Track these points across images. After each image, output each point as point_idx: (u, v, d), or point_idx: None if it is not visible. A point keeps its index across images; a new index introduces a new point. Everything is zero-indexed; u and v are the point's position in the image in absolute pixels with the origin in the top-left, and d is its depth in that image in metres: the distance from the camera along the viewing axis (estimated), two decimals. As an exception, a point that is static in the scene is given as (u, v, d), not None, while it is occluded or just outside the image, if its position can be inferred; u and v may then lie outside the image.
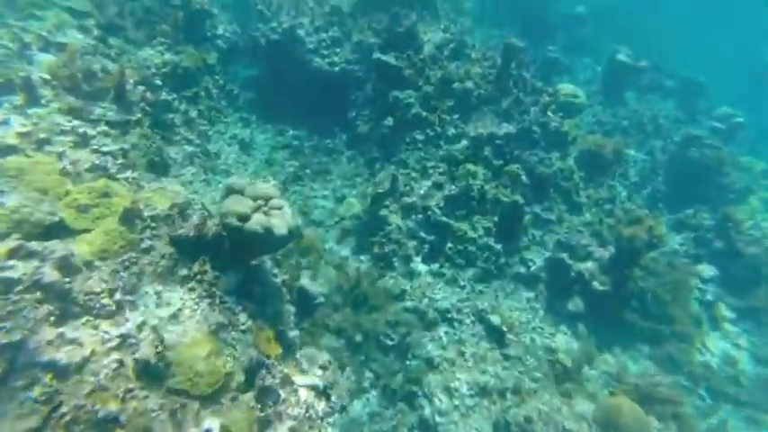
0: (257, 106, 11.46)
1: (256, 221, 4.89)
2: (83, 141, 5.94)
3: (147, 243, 5.09)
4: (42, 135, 5.75)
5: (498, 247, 8.06)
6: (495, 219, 8.08)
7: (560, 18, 17.80)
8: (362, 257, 8.38)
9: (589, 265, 7.84)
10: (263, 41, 11.20)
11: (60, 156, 5.56)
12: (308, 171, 10.08)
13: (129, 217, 5.11)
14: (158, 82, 8.00)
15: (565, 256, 8.02)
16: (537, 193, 8.95)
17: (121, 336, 4.04)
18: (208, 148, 8.46)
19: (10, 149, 5.43)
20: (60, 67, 7.00)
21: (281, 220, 5.05)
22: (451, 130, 9.01)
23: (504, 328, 6.96)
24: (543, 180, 8.78)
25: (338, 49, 10.74)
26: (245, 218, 4.94)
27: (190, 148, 7.82)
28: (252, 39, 11.46)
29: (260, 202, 5.18)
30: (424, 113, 9.27)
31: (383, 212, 8.23)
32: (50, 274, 3.95)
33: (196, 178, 7.70)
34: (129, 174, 6.03)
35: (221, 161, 8.82)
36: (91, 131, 6.07)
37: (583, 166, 9.87)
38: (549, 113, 9.61)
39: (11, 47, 7.60)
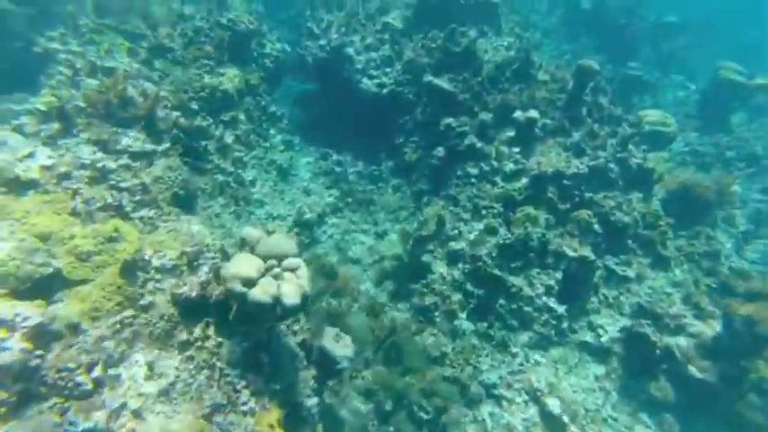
0: (302, 127, 10.94)
1: (263, 289, 4.08)
2: (102, 176, 5.54)
3: (147, 299, 4.49)
4: (63, 169, 5.41)
5: (560, 309, 6.72)
6: (558, 275, 6.75)
7: (646, 29, 15.76)
8: (401, 306, 7.42)
9: (682, 341, 6.27)
10: (311, 60, 10.69)
11: (75, 193, 5.19)
12: (349, 200, 9.32)
13: (131, 269, 4.54)
14: (194, 106, 7.63)
15: (647, 325, 6.51)
16: (612, 242, 7.47)
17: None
18: (242, 176, 7.96)
19: (31, 184, 5.15)
20: (97, 93, 6.79)
21: (294, 287, 4.21)
22: (510, 165, 7.80)
23: (566, 418, 5.63)
24: (620, 228, 7.30)
25: (388, 69, 9.94)
26: (250, 283, 4.15)
27: (221, 177, 7.33)
28: (300, 57, 11.02)
29: (272, 262, 4.39)
30: (479, 144, 8.15)
31: (426, 258, 7.22)
32: (15, 348, 3.40)
33: (225, 210, 7.19)
34: (145, 212, 5.56)
35: (256, 189, 8.29)
36: (112, 165, 5.67)
37: (672, 209, 8.19)
38: (630, 146, 8.08)
39: (65, 73, 7.61)
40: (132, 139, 6.24)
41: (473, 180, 8.02)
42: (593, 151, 7.66)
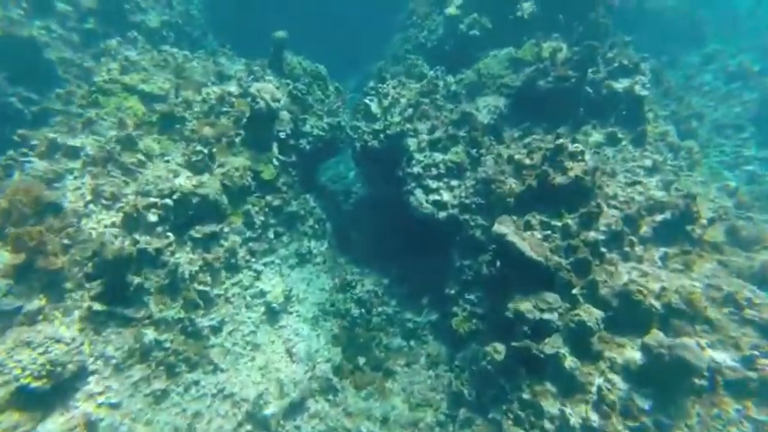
0: (334, 232, 8.32)
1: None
2: None
3: None
4: None
5: None
6: None
7: None
8: None
9: None
10: (358, 147, 8.05)
11: None
12: (357, 368, 6.30)
13: None
14: (152, 218, 5.40)
15: None
16: None
17: None
18: (198, 324, 5.47)
19: None
20: (11, 197, 4.90)
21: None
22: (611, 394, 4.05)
23: None
24: None
25: (455, 183, 6.79)
26: None
27: (150, 335, 4.90)
28: (350, 140, 8.48)
29: None
30: (569, 359, 4.54)
31: None
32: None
33: (138, 390, 4.71)
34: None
35: (219, 340, 5.72)
36: None
37: None
38: None
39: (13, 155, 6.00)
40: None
41: (544, 419, 4.42)
42: None
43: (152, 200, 5.45)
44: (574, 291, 4.94)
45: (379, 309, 7.17)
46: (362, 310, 7.01)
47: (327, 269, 7.78)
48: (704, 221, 5.37)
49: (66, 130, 6.36)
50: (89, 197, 5.37)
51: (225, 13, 17.84)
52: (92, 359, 4.49)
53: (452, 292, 6.40)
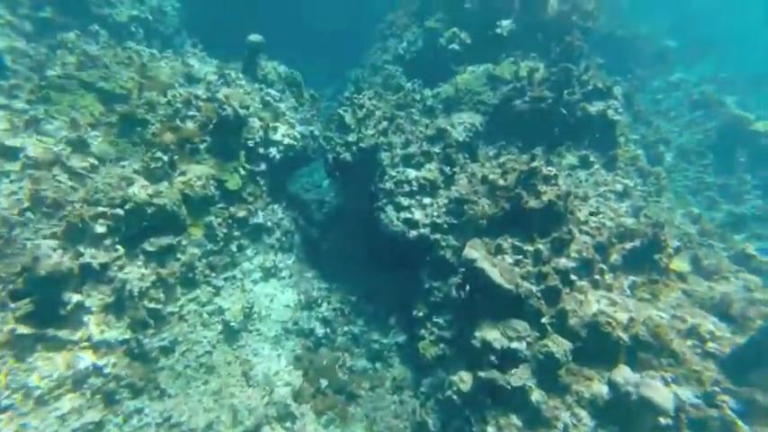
0: (301, 245, 8.01)
1: None
2: None
3: None
4: None
5: None
6: None
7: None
8: None
9: None
10: (331, 158, 7.80)
11: None
12: (319, 392, 6.00)
13: None
14: (99, 228, 4.97)
15: None
16: None
17: None
18: (145, 347, 5.05)
19: None
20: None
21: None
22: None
23: None
24: None
25: (427, 201, 6.62)
26: None
27: (87, 360, 4.46)
28: (322, 150, 8.22)
29: None
30: (536, 392, 4.40)
31: None
32: None
33: (65, 426, 4.26)
34: None
35: (169, 362, 5.31)
36: None
37: None
38: None
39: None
40: None
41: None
42: None
43: (101, 209, 5.02)
44: (543, 320, 4.83)
45: (345, 328, 6.89)
46: (327, 330, 6.72)
47: (293, 284, 7.45)
48: (671, 250, 5.39)
49: (8, 127, 5.82)
50: (26, 203, 4.89)
51: (204, 12, 17.23)
52: (7, 393, 4.00)
53: (420, 314, 6.20)
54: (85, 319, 4.55)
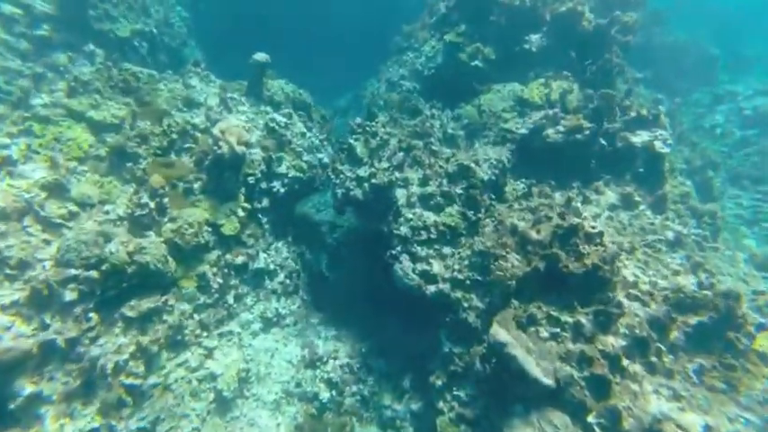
0: (308, 287, 7.28)
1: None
2: None
3: None
4: None
5: None
6: None
7: None
8: None
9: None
10: (340, 194, 7.04)
11: None
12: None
13: None
14: (69, 296, 4.33)
15: None
16: None
17: None
18: (117, 429, 4.38)
19: None
20: None
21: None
22: None
23: None
24: None
25: (447, 251, 5.80)
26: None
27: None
28: (330, 182, 7.47)
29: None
30: None
31: None
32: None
33: None
34: None
35: (151, 441, 4.64)
36: None
37: None
38: None
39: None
40: None
41: None
42: None
43: (72, 272, 4.38)
44: (590, 418, 3.97)
45: (354, 387, 6.13)
46: (333, 393, 5.96)
47: (297, 332, 6.74)
48: (751, 329, 4.43)
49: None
50: (-13, 267, 4.28)
51: (213, 19, 16.73)
52: None
53: (439, 382, 5.38)
54: (42, 411, 3.90)
